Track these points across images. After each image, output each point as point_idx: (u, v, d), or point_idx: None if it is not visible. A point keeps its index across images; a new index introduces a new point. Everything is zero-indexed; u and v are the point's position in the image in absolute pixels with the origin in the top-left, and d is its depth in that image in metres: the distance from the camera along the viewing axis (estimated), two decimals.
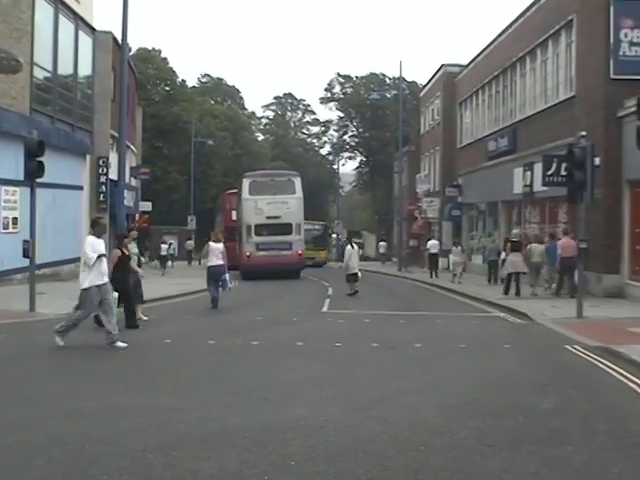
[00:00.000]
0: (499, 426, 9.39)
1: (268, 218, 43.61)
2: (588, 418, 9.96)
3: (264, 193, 44.32)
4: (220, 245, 25.31)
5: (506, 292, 29.57)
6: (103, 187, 40.81)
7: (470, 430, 9.11)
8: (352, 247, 32.77)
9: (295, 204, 44.68)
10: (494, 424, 9.48)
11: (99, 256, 15.50)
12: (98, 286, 15.56)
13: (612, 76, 28.55)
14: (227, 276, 25.57)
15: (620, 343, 16.16)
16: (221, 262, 25.09)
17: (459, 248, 40.80)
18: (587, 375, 13.31)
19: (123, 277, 18.78)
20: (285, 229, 44.00)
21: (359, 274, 32.20)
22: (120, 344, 15.61)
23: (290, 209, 44.13)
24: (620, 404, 10.96)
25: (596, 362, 14.58)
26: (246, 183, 45.40)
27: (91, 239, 15.78)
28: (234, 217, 51.58)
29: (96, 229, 16.15)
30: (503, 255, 32.76)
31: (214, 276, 25.16)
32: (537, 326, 20.80)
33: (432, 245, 46.03)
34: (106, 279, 15.87)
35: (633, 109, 19.40)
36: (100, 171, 40.70)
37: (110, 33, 41.56)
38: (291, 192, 44.98)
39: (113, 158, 39.59)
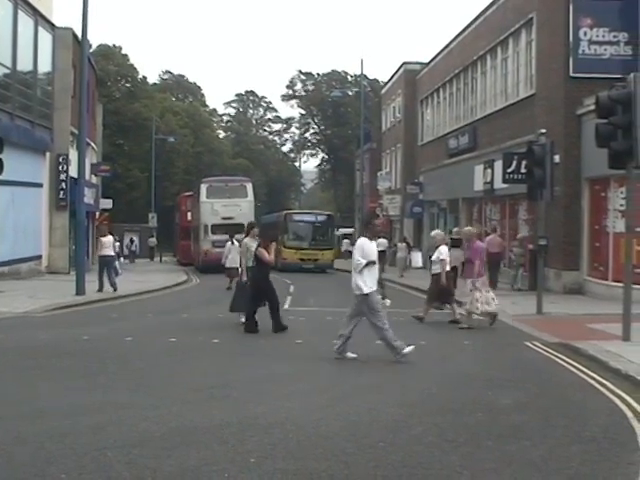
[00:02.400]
0: (458, 422, 9.45)
1: (223, 219, 47.75)
2: (547, 414, 10.06)
3: (219, 197, 49.50)
4: (109, 238, 29.56)
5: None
6: (63, 184, 40.42)
7: (429, 426, 9.17)
8: (232, 243, 33.74)
9: (247, 206, 49.24)
10: (453, 420, 9.55)
11: (368, 263, 14.06)
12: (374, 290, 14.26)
13: (572, 74, 28.79)
14: (117, 264, 30.00)
15: (579, 339, 16.32)
16: (112, 252, 29.29)
17: (404, 244, 42.96)
18: (546, 371, 13.41)
19: (265, 277, 18.72)
20: (238, 229, 44.61)
21: (239, 269, 33.20)
22: (406, 349, 14.11)
23: (242, 211, 48.21)
24: (578, 399, 11.06)
25: (555, 358, 14.74)
26: (203, 187, 50.48)
27: (363, 242, 14.39)
28: (189, 218, 57.87)
29: (369, 231, 14.81)
30: None
31: (106, 264, 28.59)
32: (497, 323, 20.87)
33: (380, 243, 47.48)
34: (376, 286, 14.51)
35: (592, 107, 19.54)
36: (60, 168, 40.31)
37: (70, 29, 41.12)
38: (243, 196, 49.92)
39: (73, 155, 39.27)
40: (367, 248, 14.23)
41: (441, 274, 20.31)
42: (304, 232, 52.48)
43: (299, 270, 47.51)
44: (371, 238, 14.55)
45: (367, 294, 14.06)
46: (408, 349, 14.06)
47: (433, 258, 20.79)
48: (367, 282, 14.07)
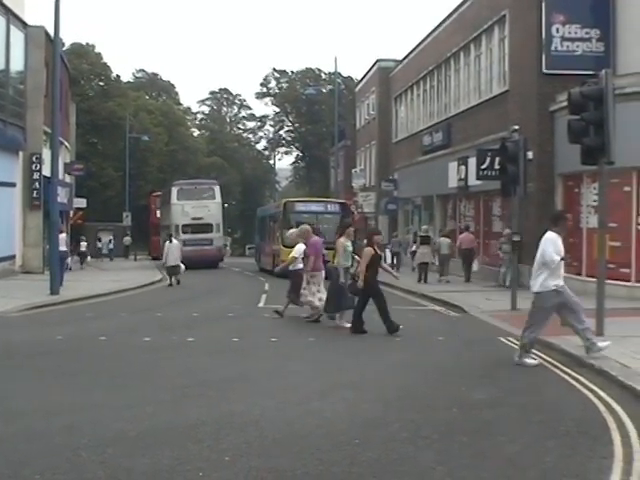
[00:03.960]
0: (433, 418, 9.49)
1: (193, 219, 51.83)
2: (521, 409, 10.12)
3: (189, 198, 52.90)
4: (63, 235, 30.83)
5: (419, 280, 32.76)
6: (36, 184, 40.12)
7: (404, 422, 9.19)
8: (171, 242, 36.23)
9: (215, 208, 53.39)
10: (428, 416, 9.58)
11: (561, 259, 13.33)
12: (556, 289, 13.44)
13: (544, 71, 28.88)
14: (69, 259, 33.82)
15: (552, 334, 16.34)
16: (64, 248, 30.65)
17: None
18: (520, 366, 13.45)
19: (374, 278, 17.99)
20: (207, 228, 52.17)
21: (181, 267, 35.26)
22: (602, 344, 13.55)
23: (211, 212, 52.79)
24: (552, 395, 11.14)
25: None
26: (174, 190, 53.78)
27: (552, 236, 13.56)
28: (158, 215, 63.44)
29: (560, 225, 13.97)
30: (414, 247, 36.68)
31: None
32: (472, 319, 21.00)
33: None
34: (562, 281, 13.60)
35: (565, 103, 19.62)
36: (33, 167, 40.01)
37: (42, 28, 40.76)
38: (211, 198, 53.72)
39: (46, 154, 38.91)
40: (559, 243, 13.54)
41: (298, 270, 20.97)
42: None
43: None
44: (560, 233, 13.78)
45: (541, 292, 13.51)
46: (604, 344, 13.60)
47: (293, 255, 21.37)
48: (548, 280, 13.39)
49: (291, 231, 23.23)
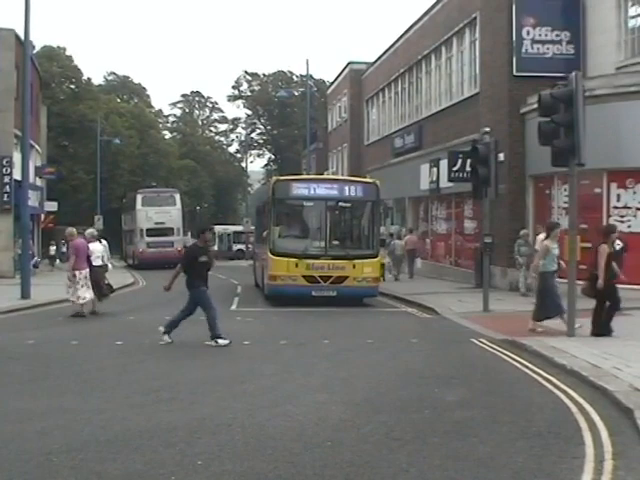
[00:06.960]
0: (405, 420, 9.50)
1: (155, 224, 57.14)
2: (493, 410, 10.15)
3: (152, 205, 58.05)
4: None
5: (383, 278, 33.42)
6: (7, 187, 39.98)
7: (376, 425, 9.21)
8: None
9: (175, 213, 58.57)
10: (400, 418, 9.59)
11: None
12: None
13: (515, 73, 29.02)
14: (36, 259, 36.91)
15: (524, 335, 16.51)
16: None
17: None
18: (492, 368, 13.52)
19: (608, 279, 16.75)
20: (168, 232, 57.18)
21: (109, 266, 34.61)
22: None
23: (172, 217, 58.04)
24: (524, 395, 11.17)
25: (501, 355, 14.87)
26: (139, 197, 58.84)
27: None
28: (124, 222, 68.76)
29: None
30: None
31: None
32: (444, 320, 21.04)
33: None
34: None
35: (535, 106, 19.73)
36: (4, 171, 39.84)
37: (12, 30, 40.56)
38: (172, 204, 58.83)
39: (17, 158, 38.83)
40: None
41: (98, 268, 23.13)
42: (313, 221, 27.14)
43: (307, 301, 24.77)
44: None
45: None
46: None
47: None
48: None
49: (69, 229, 24.14)
